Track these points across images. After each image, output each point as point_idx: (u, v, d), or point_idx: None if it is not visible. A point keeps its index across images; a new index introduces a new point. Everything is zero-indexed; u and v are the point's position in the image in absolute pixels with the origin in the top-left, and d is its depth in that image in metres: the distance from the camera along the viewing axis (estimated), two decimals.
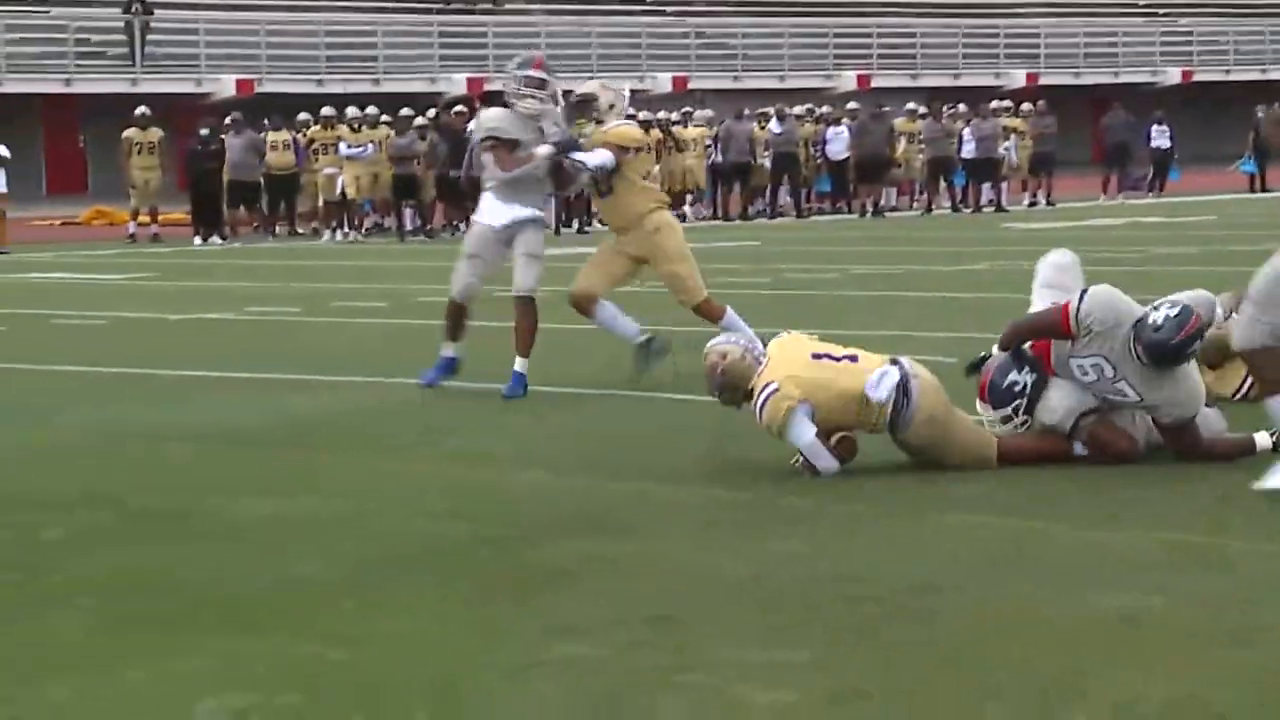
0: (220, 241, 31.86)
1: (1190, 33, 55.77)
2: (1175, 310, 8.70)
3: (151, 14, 43.19)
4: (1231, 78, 54.91)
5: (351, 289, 20.73)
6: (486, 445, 10.02)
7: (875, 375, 8.78)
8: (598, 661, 5.72)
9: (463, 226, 30.58)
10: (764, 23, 49.00)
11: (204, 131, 32.48)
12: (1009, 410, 8.98)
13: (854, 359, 8.88)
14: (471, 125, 14.23)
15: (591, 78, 43.22)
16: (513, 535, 7.60)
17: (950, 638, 5.92)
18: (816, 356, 8.87)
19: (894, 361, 8.92)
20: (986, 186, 37.06)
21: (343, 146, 32.99)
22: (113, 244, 31.29)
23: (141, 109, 32.47)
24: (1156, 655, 5.66)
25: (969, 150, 36.54)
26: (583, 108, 12.46)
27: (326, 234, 33.22)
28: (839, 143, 36.72)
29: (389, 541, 7.56)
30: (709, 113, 37.07)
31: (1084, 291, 8.88)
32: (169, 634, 6.14)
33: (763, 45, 48.32)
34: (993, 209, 36.27)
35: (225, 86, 41.53)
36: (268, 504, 8.42)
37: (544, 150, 11.83)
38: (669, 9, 49.26)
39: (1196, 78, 54.25)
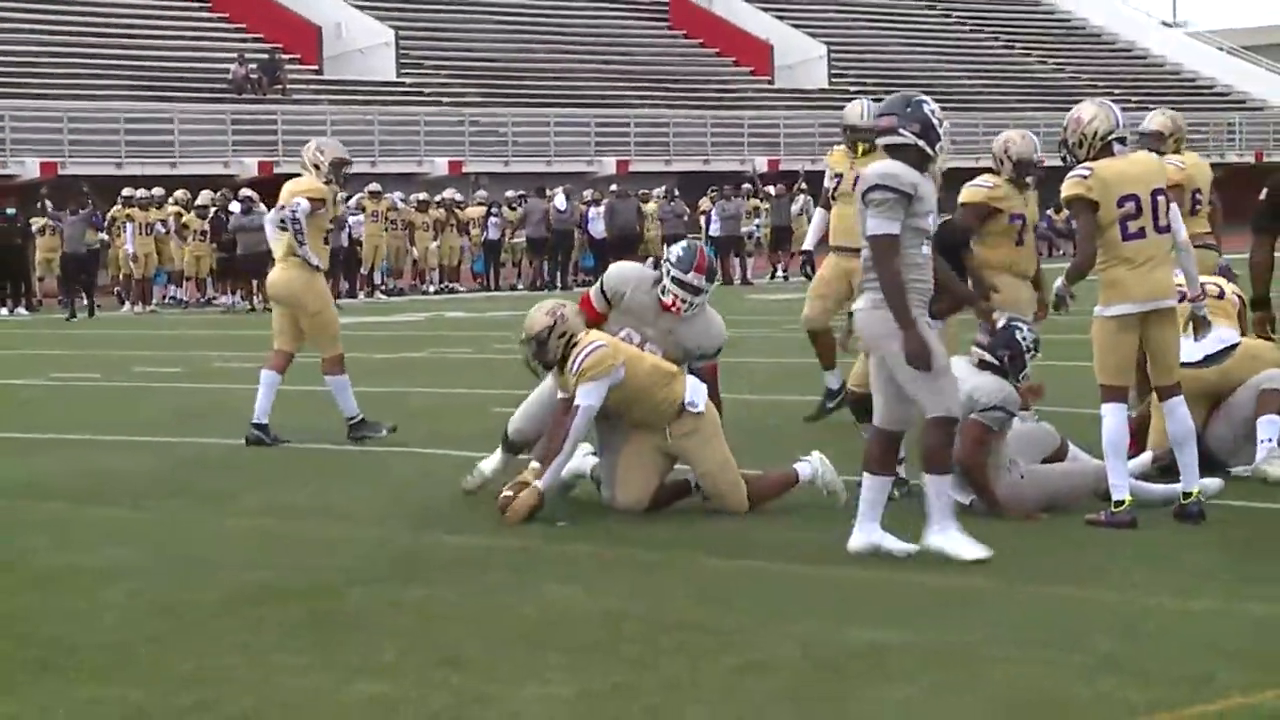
0: (26, 313, 31.26)
1: None
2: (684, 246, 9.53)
3: None
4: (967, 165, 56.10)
5: (150, 355, 20.36)
6: (287, 499, 9.89)
7: (692, 383, 9.10)
8: (393, 699, 5.69)
9: (256, 298, 30.31)
10: (532, 112, 49.21)
11: (9, 211, 32.02)
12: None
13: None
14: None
15: (374, 163, 43.17)
16: (313, 583, 7.50)
17: (714, 675, 5.95)
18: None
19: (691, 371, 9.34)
20: (736, 262, 37.56)
21: (130, 227, 32.67)
22: None
23: None
24: (903, 682, 5.74)
25: (715, 229, 37.05)
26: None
27: (125, 305, 32.79)
28: (600, 222, 37.04)
29: (193, 590, 7.42)
30: (484, 193, 37.06)
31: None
32: None
33: (531, 133, 48.51)
34: (739, 282, 36.71)
35: (29, 169, 40.64)
36: (74, 555, 8.23)
37: None
38: (445, 100, 49.28)
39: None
